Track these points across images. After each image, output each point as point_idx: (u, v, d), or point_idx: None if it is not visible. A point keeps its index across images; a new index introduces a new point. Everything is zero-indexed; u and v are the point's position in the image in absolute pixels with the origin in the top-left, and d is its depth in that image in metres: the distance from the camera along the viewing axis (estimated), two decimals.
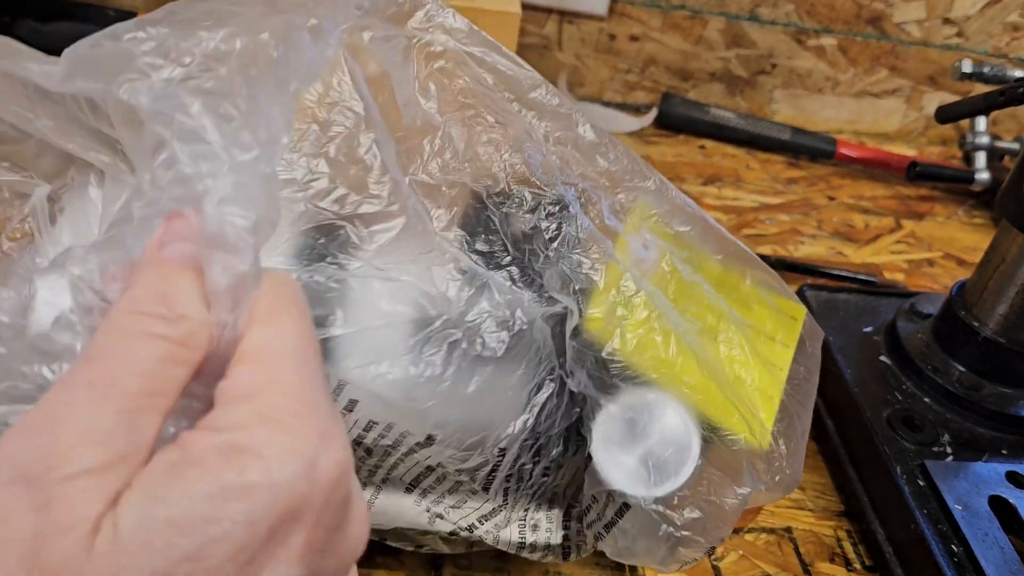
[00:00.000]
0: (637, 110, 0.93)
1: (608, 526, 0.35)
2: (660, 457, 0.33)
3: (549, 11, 0.88)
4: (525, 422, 0.33)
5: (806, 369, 0.38)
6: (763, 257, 0.70)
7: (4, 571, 0.18)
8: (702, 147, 0.89)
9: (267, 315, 0.22)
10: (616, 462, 0.33)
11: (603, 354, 0.33)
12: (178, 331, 0.20)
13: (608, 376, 0.33)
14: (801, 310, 0.39)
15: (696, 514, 0.34)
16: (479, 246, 0.34)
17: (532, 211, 0.35)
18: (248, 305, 0.22)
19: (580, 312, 0.34)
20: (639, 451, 0.33)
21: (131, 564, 0.18)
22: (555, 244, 0.34)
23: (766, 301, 0.38)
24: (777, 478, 0.35)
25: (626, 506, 0.34)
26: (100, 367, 0.20)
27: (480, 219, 0.34)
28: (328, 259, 0.32)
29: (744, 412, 0.34)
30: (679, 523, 0.33)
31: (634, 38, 0.90)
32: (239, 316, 0.21)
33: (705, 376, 0.34)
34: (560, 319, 0.34)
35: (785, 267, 0.71)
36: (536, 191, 0.35)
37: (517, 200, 0.35)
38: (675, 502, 0.33)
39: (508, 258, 0.34)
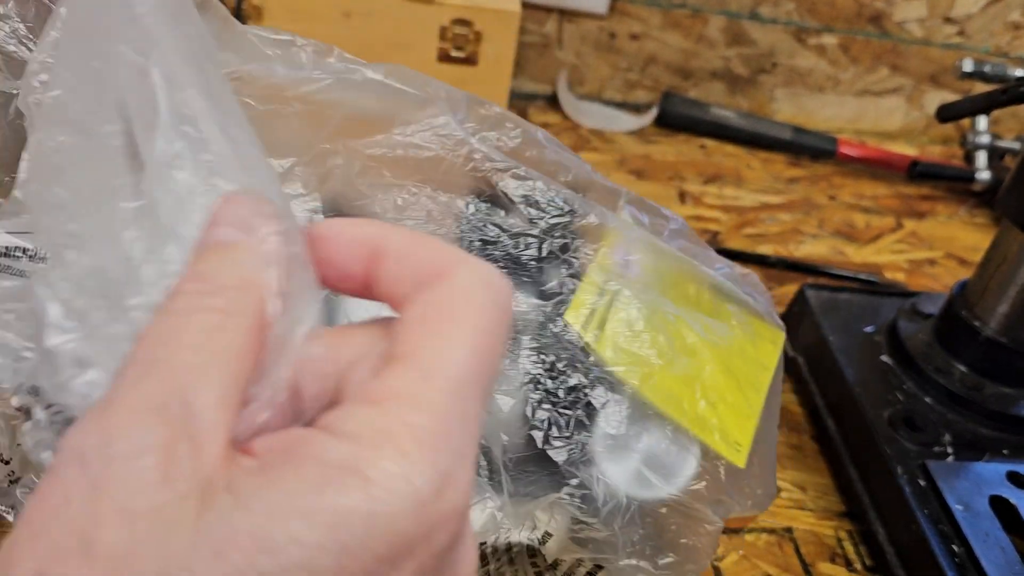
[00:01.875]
0: (637, 109, 0.92)
1: None
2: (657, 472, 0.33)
3: (549, 9, 0.87)
4: None
5: (772, 387, 0.38)
6: (764, 257, 0.71)
7: (60, 555, 0.16)
8: (703, 146, 0.89)
9: (444, 319, 0.19)
10: (617, 476, 0.33)
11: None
12: (219, 300, 0.18)
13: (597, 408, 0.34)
14: (780, 335, 0.39)
15: (670, 558, 0.34)
16: None
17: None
18: (307, 284, 0.20)
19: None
20: (633, 468, 0.33)
21: (197, 568, 0.16)
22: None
23: (746, 324, 0.39)
24: (750, 503, 0.36)
25: (598, 567, 0.34)
26: (145, 345, 0.18)
27: None
28: None
29: (719, 439, 0.34)
30: (654, 571, 0.34)
31: (634, 36, 0.90)
32: (299, 288, 0.19)
33: (683, 403, 0.34)
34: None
35: (786, 266, 0.71)
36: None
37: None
38: (647, 551, 0.33)
39: None
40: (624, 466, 0.33)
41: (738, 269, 0.41)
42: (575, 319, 0.36)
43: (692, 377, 0.35)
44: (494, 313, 0.19)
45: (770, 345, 0.38)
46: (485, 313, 0.19)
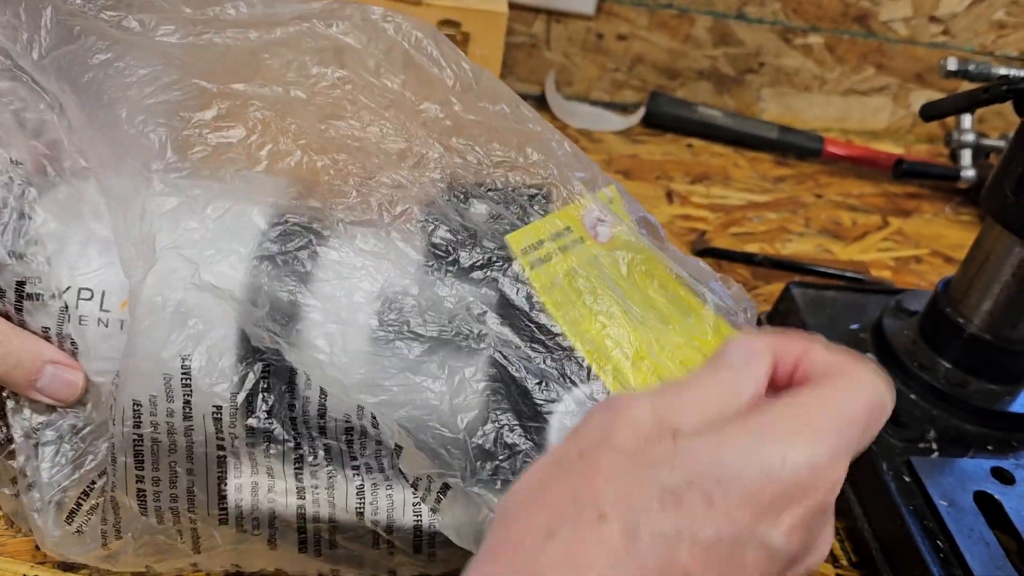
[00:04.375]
0: (625, 109, 0.93)
1: (436, 502, 0.35)
2: None
3: (537, 10, 0.88)
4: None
5: None
6: (750, 255, 0.71)
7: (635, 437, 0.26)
8: (690, 146, 0.89)
9: (848, 388, 0.28)
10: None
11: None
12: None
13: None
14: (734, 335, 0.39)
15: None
16: (437, 238, 0.35)
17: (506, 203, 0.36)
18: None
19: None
20: None
21: (679, 474, 0.25)
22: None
23: (703, 315, 0.38)
24: None
25: (446, 486, 0.34)
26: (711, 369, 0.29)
27: (444, 211, 0.35)
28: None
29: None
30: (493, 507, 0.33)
31: (622, 37, 0.90)
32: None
33: (604, 352, 0.34)
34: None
35: (772, 265, 0.71)
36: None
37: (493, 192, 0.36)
38: (497, 485, 0.32)
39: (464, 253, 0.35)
40: None
41: (711, 272, 0.41)
42: (516, 243, 0.35)
43: (621, 337, 0.35)
44: (877, 402, 0.28)
45: (720, 338, 0.38)
46: (872, 399, 0.28)
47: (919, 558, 0.43)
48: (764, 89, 0.94)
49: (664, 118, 0.90)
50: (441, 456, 0.33)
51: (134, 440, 0.33)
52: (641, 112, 0.90)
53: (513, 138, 0.38)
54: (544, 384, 0.33)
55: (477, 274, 0.35)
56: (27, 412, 0.35)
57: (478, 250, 0.35)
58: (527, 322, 0.34)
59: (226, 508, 0.35)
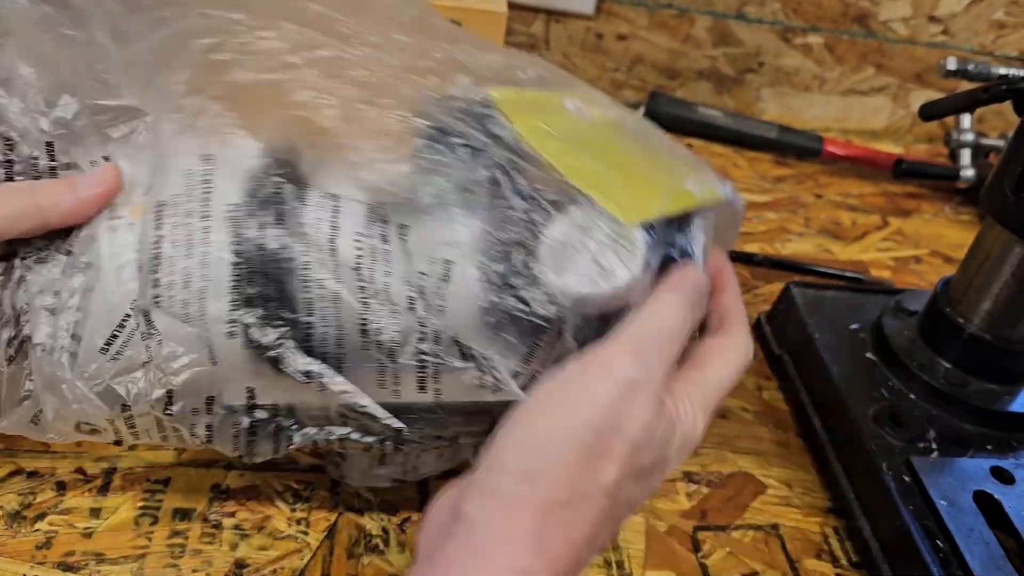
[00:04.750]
0: None
1: (441, 280, 0.36)
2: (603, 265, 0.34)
3: (536, 10, 0.88)
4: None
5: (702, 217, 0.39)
6: (750, 255, 0.71)
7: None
8: (690, 145, 0.89)
9: (663, 297, 0.34)
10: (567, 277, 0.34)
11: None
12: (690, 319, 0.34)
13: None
14: (723, 193, 0.40)
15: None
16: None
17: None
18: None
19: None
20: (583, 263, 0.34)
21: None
22: None
23: (685, 159, 0.40)
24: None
25: (449, 264, 0.35)
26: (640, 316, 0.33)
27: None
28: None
29: (605, 196, 0.35)
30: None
31: (621, 37, 0.90)
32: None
33: (580, 164, 0.36)
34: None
35: (772, 265, 0.71)
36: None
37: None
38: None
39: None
40: (566, 266, 0.34)
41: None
42: (499, 93, 0.37)
43: (603, 169, 0.36)
44: (740, 371, 0.36)
45: (709, 193, 0.39)
46: (738, 368, 0.36)
47: (919, 558, 0.43)
48: (764, 89, 0.94)
49: (664, 118, 0.90)
50: (450, 225, 0.35)
51: (154, 241, 0.34)
52: (641, 112, 0.90)
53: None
54: (537, 196, 0.35)
55: (471, 94, 0.37)
56: (28, 283, 0.35)
57: (470, 92, 0.37)
58: (513, 141, 0.36)
59: (235, 321, 0.35)
